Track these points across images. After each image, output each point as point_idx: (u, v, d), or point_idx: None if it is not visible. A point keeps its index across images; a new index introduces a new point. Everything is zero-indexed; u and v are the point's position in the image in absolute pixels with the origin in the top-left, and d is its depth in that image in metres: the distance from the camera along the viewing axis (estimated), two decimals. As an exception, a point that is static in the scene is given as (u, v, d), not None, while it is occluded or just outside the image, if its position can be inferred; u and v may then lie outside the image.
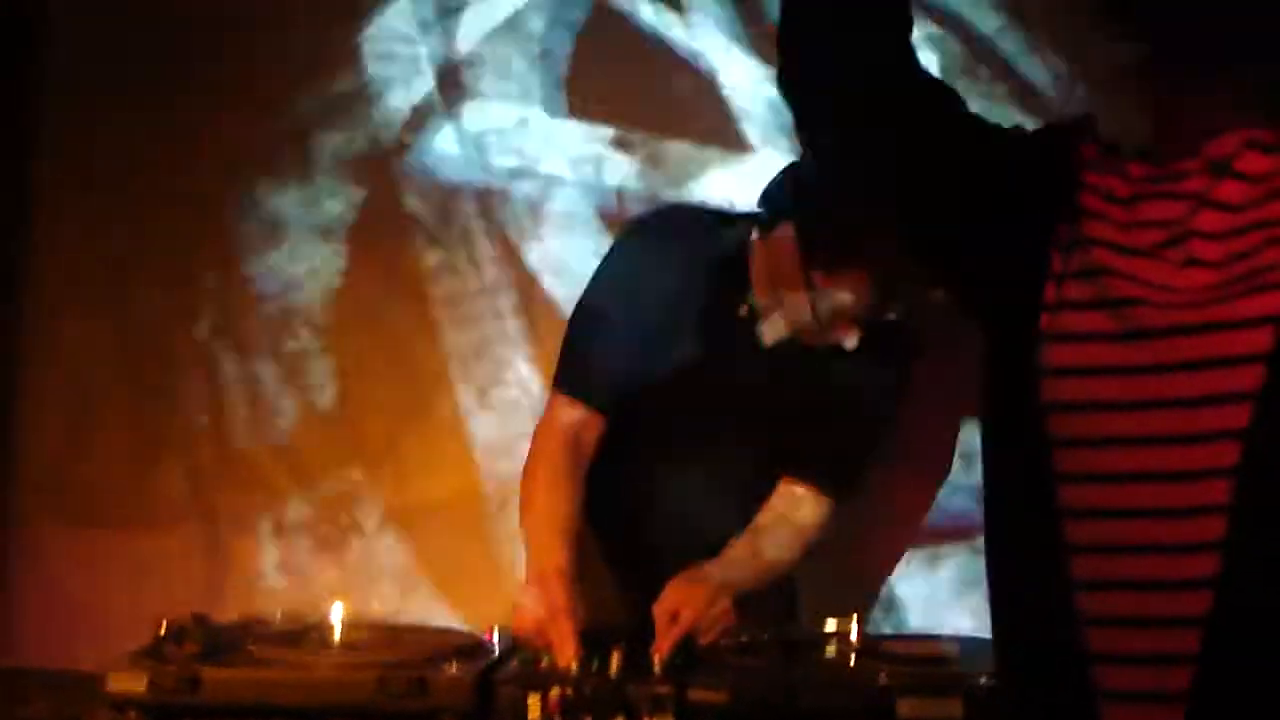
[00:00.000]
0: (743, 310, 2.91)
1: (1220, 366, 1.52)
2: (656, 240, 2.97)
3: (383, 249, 3.76)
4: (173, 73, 3.75)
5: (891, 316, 2.80)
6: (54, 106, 3.81)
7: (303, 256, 3.77)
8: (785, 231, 2.80)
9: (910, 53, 1.76)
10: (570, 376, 2.97)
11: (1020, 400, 1.62)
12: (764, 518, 2.95)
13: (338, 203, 3.76)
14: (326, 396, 3.76)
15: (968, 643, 2.65)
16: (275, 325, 3.79)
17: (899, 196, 1.78)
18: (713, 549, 2.91)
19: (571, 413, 2.94)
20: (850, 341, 2.81)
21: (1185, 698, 1.54)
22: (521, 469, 2.96)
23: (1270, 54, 1.55)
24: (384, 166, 3.75)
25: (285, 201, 3.77)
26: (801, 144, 1.90)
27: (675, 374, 2.93)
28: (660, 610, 2.68)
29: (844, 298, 2.77)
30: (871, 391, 2.94)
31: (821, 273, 2.75)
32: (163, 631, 2.54)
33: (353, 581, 3.42)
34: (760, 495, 2.98)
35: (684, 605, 2.68)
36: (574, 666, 2.47)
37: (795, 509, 2.96)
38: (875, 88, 1.73)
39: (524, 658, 2.56)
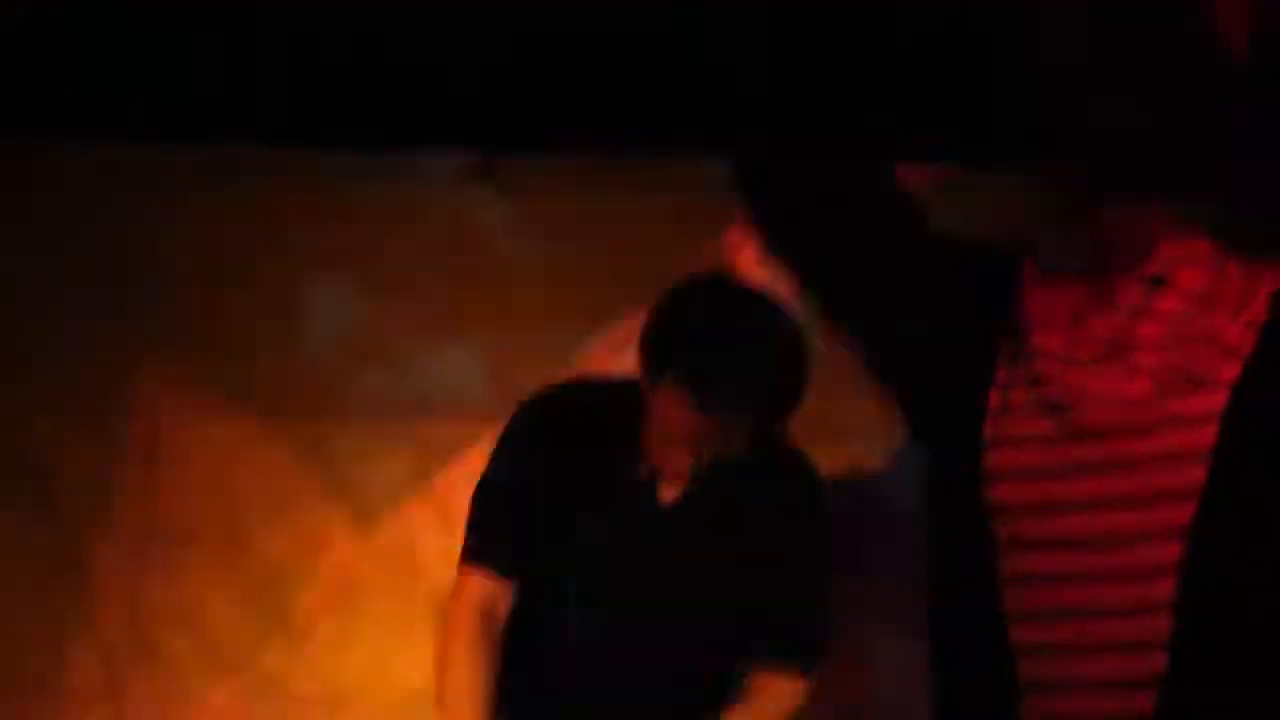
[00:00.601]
0: (641, 472, 2.92)
1: (1160, 465, 1.54)
2: (552, 410, 3.02)
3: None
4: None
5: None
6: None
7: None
8: (665, 387, 2.81)
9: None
10: (477, 547, 2.97)
11: (966, 506, 1.63)
12: (738, 713, 2.93)
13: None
14: (245, 577, 3.72)
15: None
16: (197, 505, 3.75)
17: (850, 308, 1.81)
18: None
19: (480, 584, 2.94)
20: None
21: None
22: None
23: (1200, 185, 1.60)
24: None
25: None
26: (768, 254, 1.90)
27: (587, 541, 2.94)
28: None
29: (729, 441, 2.80)
30: (794, 524, 2.97)
31: (703, 419, 2.77)
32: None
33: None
34: (704, 669, 2.97)
35: None
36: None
37: (771, 697, 2.95)
38: (848, 198, 1.78)
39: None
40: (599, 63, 3.46)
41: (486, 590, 2.94)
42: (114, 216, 3.76)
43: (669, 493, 2.95)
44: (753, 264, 3.23)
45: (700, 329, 2.81)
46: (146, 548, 3.75)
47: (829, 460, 3.16)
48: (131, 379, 3.77)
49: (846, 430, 3.51)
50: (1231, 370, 1.54)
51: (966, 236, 1.80)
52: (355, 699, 3.69)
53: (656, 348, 2.83)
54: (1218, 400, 1.54)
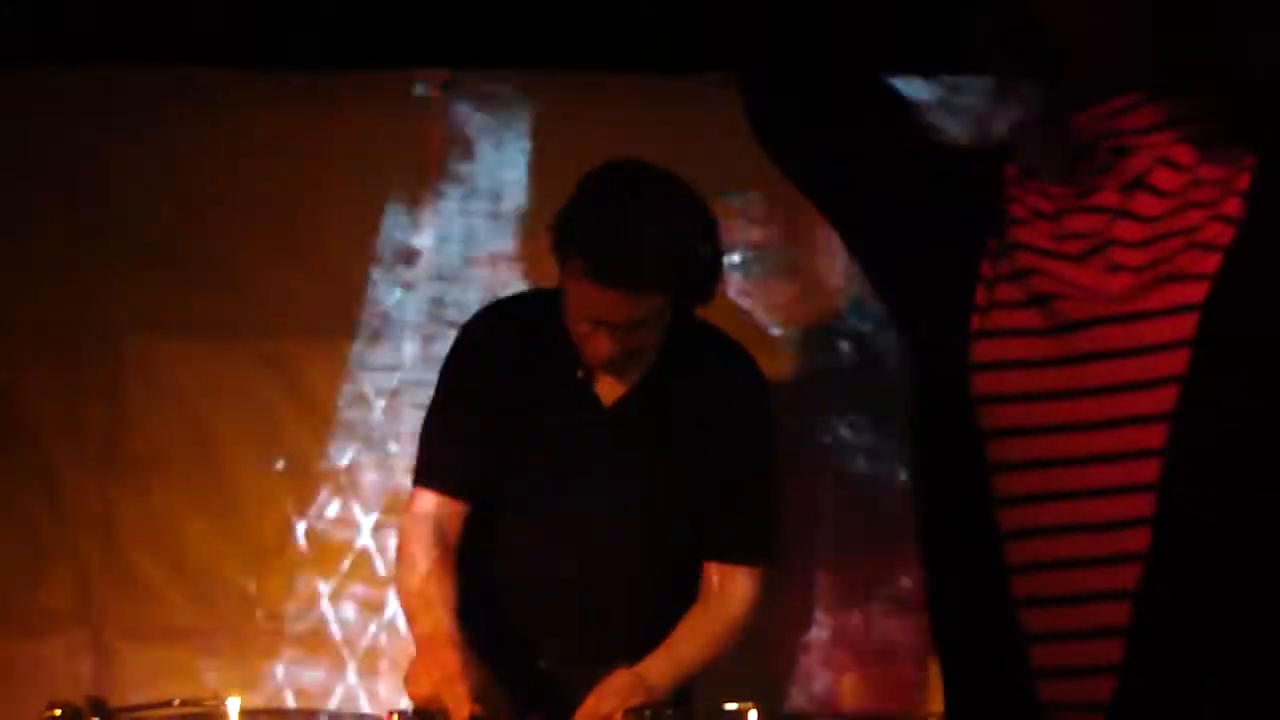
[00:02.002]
0: (579, 374, 2.97)
1: (1145, 353, 1.59)
2: (490, 327, 3.08)
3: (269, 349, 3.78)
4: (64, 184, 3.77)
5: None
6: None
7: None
8: (569, 264, 2.86)
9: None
10: (427, 468, 3.02)
11: (950, 398, 1.67)
12: (696, 612, 2.97)
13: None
14: (218, 499, 3.74)
15: (864, 715, 2.68)
16: (164, 432, 3.77)
17: (845, 200, 1.84)
18: (609, 633, 2.93)
19: (432, 502, 2.98)
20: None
21: (1119, 669, 1.58)
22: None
23: (1176, 85, 1.63)
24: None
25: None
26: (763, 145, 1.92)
27: (535, 449, 3.00)
28: (587, 716, 2.71)
29: (639, 317, 2.84)
30: (737, 419, 3.02)
31: (606, 292, 2.80)
32: (56, 714, 2.50)
33: (243, 684, 3.38)
34: (660, 571, 3.01)
35: (613, 713, 2.70)
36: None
37: (726, 594, 2.99)
38: (845, 88, 1.80)
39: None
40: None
41: (439, 508, 2.98)
42: (77, 139, 3.74)
43: (609, 394, 3.01)
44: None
45: (599, 203, 2.85)
46: (117, 470, 3.77)
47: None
48: (97, 301, 3.77)
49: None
50: (1211, 262, 1.58)
51: (949, 141, 1.84)
52: (325, 621, 3.71)
53: (561, 224, 2.87)
54: (1198, 292, 1.58)
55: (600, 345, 2.88)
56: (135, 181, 3.75)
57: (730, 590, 2.99)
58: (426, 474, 3.01)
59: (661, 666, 2.86)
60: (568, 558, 3.00)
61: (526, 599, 3.04)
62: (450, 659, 2.70)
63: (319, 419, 3.79)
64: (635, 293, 2.80)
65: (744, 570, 3.01)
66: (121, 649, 3.70)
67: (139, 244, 3.76)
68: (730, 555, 3.01)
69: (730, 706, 2.72)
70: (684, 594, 3.00)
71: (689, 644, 2.92)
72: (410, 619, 2.93)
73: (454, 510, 2.98)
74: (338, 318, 3.78)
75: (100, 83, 3.72)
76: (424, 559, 2.91)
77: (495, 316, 3.11)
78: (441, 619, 2.82)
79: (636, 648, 2.89)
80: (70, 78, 3.72)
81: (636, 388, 3.00)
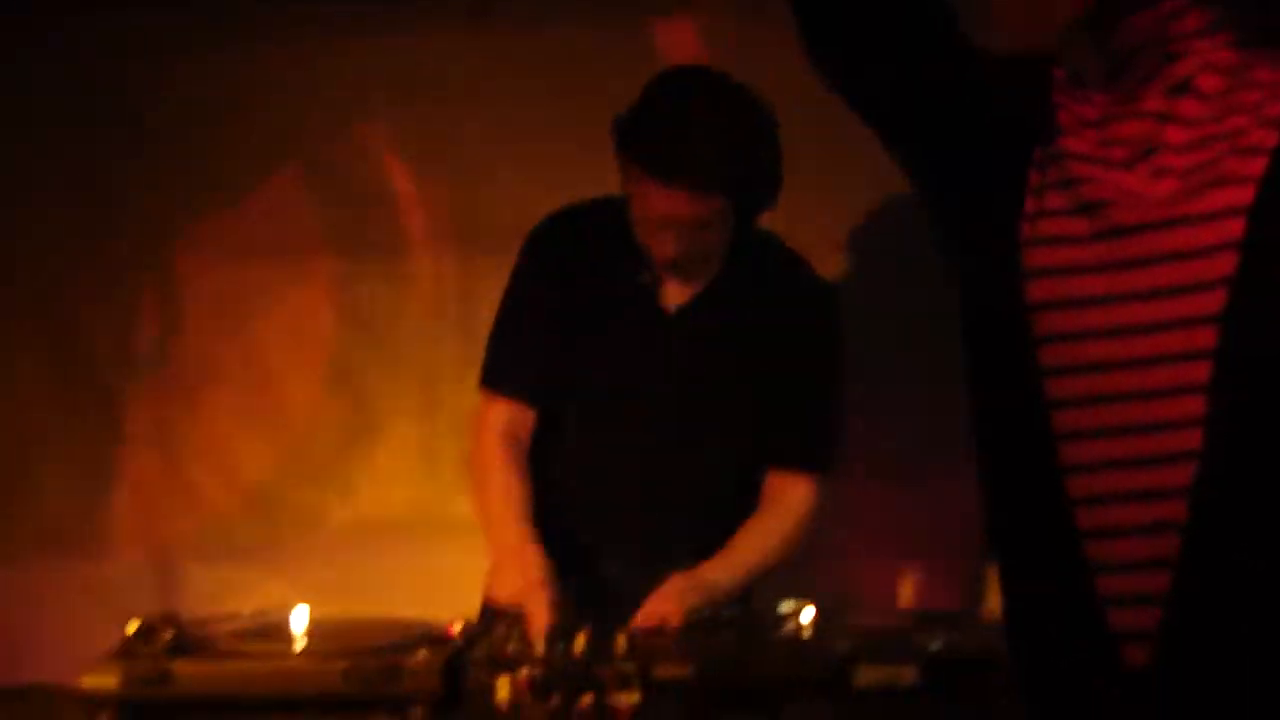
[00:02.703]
0: (645, 279, 3.01)
1: (1193, 257, 1.62)
2: (556, 235, 3.10)
3: (326, 268, 3.82)
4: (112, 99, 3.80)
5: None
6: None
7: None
8: (631, 166, 2.89)
9: None
10: (498, 374, 3.07)
11: (1002, 306, 1.70)
12: (756, 517, 3.02)
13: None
14: (276, 417, 3.80)
15: (921, 614, 2.72)
16: (221, 347, 3.83)
17: (894, 115, 1.86)
18: (670, 540, 2.98)
19: (504, 408, 3.03)
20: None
21: (1175, 564, 1.62)
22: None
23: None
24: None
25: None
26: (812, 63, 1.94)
27: (602, 354, 3.04)
28: (647, 618, 2.74)
29: (701, 217, 2.87)
30: (802, 324, 3.05)
31: (669, 191, 2.83)
32: (133, 631, 2.56)
33: (307, 597, 3.45)
34: (723, 479, 3.06)
35: (670, 618, 2.73)
36: (543, 642, 2.51)
37: (786, 499, 3.03)
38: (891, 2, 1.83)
39: (491, 642, 2.61)
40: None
41: (512, 414, 3.04)
42: (125, 71, 3.77)
43: (674, 300, 3.04)
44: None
45: (661, 104, 2.88)
46: (172, 392, 3.83)
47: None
48: (150, 224, 3.81)
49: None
50: (1257, 166, 1.60)
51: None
52: (386, 529, 3.78)
53: (623, 127, 2.91)
54: (1245, 195, 1.60)
55: (665, 245, 2.92)
56: (186, 110, 3.78)
57: (790, 496, 3.04)
58: (497, 380, 3.06)
59: (720, 569, 2.91)
60: (631, 464, 3.04)
61: (590, 505, 3.09)
62: (535, 565, 2.76)
63: (369, 333, 3.83)
64: (697, 191, 2.83)
65: (804, 476, 3.05)
66: (186, 568, 3.78)
67: (187, 171, 3.80)
68: (790, 461, 3.05)
69: (787, 606, 2.78)
70: (745, 502, 3.04)
71: (748, 548, 2.97)
72: (488, 525, 2.97)
73: (525, 416, 3.04)
74: (384, 233, 3.81)
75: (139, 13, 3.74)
76: (499, 466, 2.97)
77: (562, 225, 3.13)
78: (523, 525, 2.88)
79: (697, 554, 2.93)
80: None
81: (701, 294, 3.04)
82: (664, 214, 2.87)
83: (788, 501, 3.04)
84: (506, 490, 2.95)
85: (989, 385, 1.79)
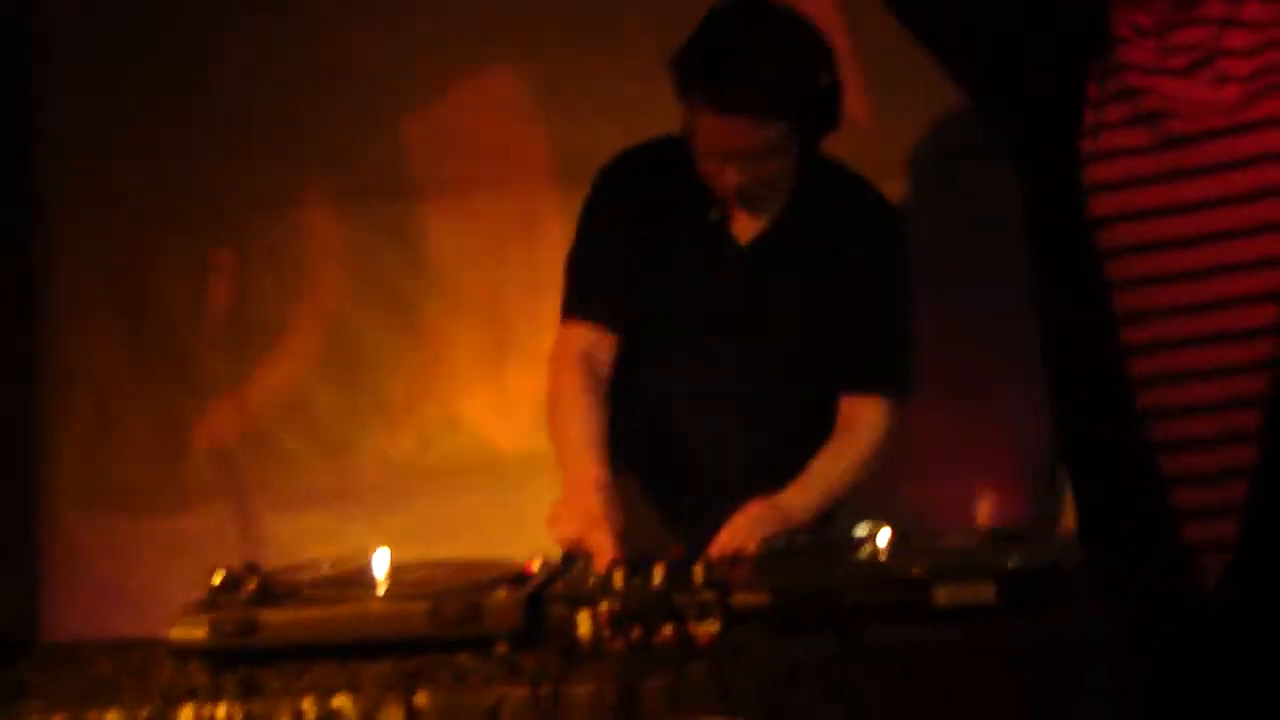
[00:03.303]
0: (714, 214, 3.01)
1: (1259, 163, 1.60)
2: (627, 174, 3.12)
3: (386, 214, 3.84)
4: (179, 68, 3.81)
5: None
6: (55, 105, 3.87)
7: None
8: (692, 100, 2.89)
9: None
10: (576, 302, 3.09)
11: (1067, 222, 1.70)
12: (831, 443, 3.03)
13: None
14: (348, 366, 3.83)
15: (997, 532, 2.72)
16: (287, 303, 3.87)
17: (954, 37, 1.86)
18: (746, 466, 3.00)
19: (583, 335, 3.05)
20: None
21: (1251, 473, 1.61)
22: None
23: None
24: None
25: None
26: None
27: (675, 290, 3.06)
28: (722, 547, 2.76)
29: (765, 147, 2.87)
30: (871, 252, 3.06)
31: (730, 121, 2.84)
32: (218, 581, 2.60)
33: (386, 543, 3.49)
34: (797, 406, 3.08)
35: (748, 542, 2.75)
36: (615, 573, 2.52)
37: (860, 424, 3.05)
38: None
39: (570, 579, 2.63)
40: None
41: (591, 341, 3.06)
42: (189, 28, 3.80)
43: (744, 233, 3.06)
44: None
45: (718, 35, 2.89)
46: (245, 344, 3.86)
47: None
48: (212, 175, 3.83)
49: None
50: None
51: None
52: (461, 468, 3.81)
53: (681, 61, 2.91)
54: None
55: (729, 177, 2.93)
56: (246, 64, 3.80)
57: (864, 420, 3.05)
58: (577, 307, 3.09)
59: (797, 496, 2.92)
60: (706, 395, 3.07)
61: (667, 436, 3.12)
62: (596, 503, 2.78)
63: (436, 276, 3.85)
64: (757, 119, 2.84)
65: (877, 400, 3.06)
66: (266, 518, 3.83)
67: (251, 124, 3.81)
68: (863, 386, 3.06)
69: (863, 529, 2.79)
70: (820, 429, 3.05)
71: (824, 474, 2.98)
72: (560, 451, 3.00)
73: (605, 343, 3.07)
74: (449, 181, 3.82)
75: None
76: (576, 396, 3.00)
77: (629, 163, 3.15)
78: (590, 460, 2.90)
79: (773, 482, 2.94)
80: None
81: (771, 225, 3.05)
82: (726, 145, 2.88)
83: (862, 425, 3.05)
84: (579, 416, 2.98)
85: (1057, 301, 1.78)
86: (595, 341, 3.05)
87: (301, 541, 3.70)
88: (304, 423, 3.84)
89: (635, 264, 3.05)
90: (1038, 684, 2.17)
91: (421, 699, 2.27)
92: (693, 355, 3.07)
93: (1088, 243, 1.68)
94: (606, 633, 2.44)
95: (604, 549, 2.65)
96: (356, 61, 3.78)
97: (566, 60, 3.75)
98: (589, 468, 2.89)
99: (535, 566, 2.71)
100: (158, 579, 3.69)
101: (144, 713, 2.29)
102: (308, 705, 2.28)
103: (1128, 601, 1.76)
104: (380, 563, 2.74)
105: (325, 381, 3.85)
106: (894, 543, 2.71)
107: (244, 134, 3.81)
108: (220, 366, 3.87)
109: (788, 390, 3.08)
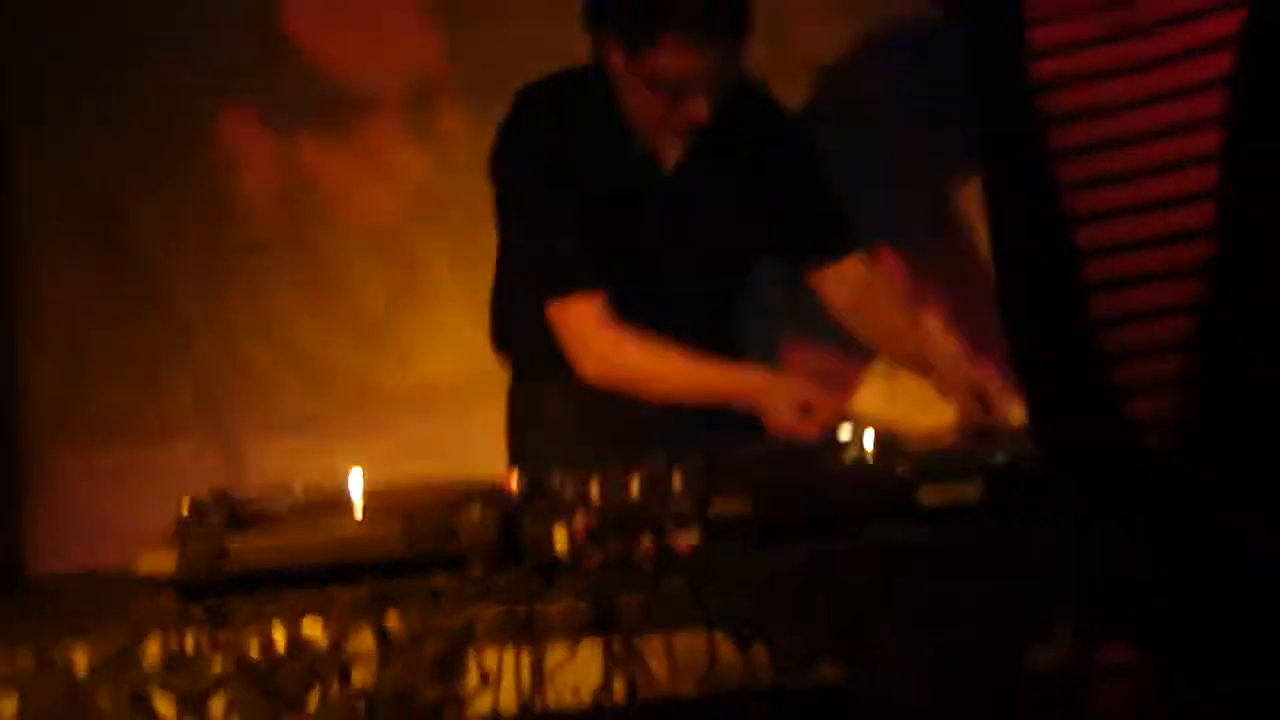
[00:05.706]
0: (635, 153, 3.03)
1: (1196, 18, 1.55)
2: (554, 111, 3.05)
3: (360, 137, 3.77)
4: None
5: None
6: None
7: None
8: (667, 38, 2.84)
9: None
10: (567, 277, 3.03)
11: (1011, 89, 1.65)
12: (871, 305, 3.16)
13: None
14: (325, 288, 3.78)
15: (980, 429, 2.68)
16: (263, 226, 3.80)
17: None
18: None
19: (591, 305, 3.01)
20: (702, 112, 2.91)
21: (1190, 345, 1.57)
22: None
23: None
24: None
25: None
26: None
27: (620, 235, 3.04)
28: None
29: (730, 69, 2.88)
30: (784, 138, 3.13)
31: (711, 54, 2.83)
32: (186, 511, 2.55)
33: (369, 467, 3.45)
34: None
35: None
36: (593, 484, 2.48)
37: (875, 281, 3.18)
38: None
39: (546, 495, 2.57)
40: None
41: (597, 305, 3.02)
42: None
43: (669, 160, 3.06)
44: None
45: None
46: (221, 269, 3.81)
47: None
48: (189, 101, 3.79)
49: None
50: None
51: None
52: (442, 390, 3.77)
53: (647, 6, 2.85)
54: None
55: (698, 108, 2.90)
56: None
57: (870, 279, 3.18)
58: (572, 282, 3.02)
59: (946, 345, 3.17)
60: (678, 319, 3.05)
61: None
62: (780, 381, 2.91)
63: (412, 198, 3.78)
64: (735, 41, 2.86)
65: (844, 260, 3.16)
66: (247, 443, 3.79)
67: (226, 57, 3.76)
68: (829, 256, 3.15)
69: (845, 432, 2.74)
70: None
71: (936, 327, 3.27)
72: (711, 395, 2.97)
73: (604, 299, 3.02)
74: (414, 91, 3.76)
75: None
76: (645, 350, 2.99)
77: (548, 108, 3.07)
78: (729, 369, 2.97)
79: None
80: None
81: (692, 148, 3.04)
82: (695, 74, 2.85)
83: (879, 280, 3.21)
84: (670, 357, 2.97)
85: (1000, 165, 1.73)
86: (602, 305, 3.01)
87: (284, 466, 3.71)
88: (281, 346, 3.81)
89: (586, 218, 3.00)
90: (1024, 582, 2.12)
91: (392, 621, 2.22)
92: (651, 290, 3.03)
93: (1032, 109, 1.63)
94: (585, 547, 2.39)
95: (824, 402, 2.77)
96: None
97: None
98: (735, 374, 2.96)
99: (513, 484, 2.65)
100: (139, 510, 3.61)
101: (111, 646, 2.23)
102: (277, 633, 2.23)
103: (1080, 484, 1.72)
104: (354, 484, 2.68)
105: (303, 304, 3.79)
106: (876, 445, 2.66)
107: (219, 66, 3.77)
108: (195, 290, 3.81)
109: (737, 298, 3.18)
